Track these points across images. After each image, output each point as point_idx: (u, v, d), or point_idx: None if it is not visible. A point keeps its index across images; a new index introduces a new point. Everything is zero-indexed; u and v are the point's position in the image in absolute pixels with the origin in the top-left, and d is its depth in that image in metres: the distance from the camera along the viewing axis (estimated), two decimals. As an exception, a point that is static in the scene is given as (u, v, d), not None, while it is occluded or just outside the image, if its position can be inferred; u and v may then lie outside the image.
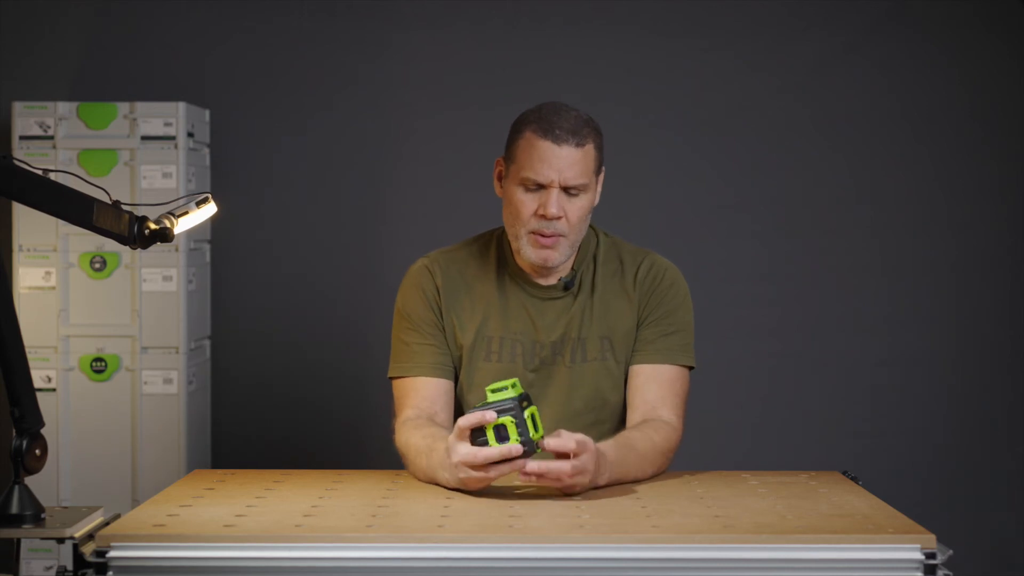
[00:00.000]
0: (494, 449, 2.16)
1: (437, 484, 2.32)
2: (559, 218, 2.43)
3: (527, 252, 2.47)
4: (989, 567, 4.12)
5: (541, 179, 2.42)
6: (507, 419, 2.15)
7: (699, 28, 4.18)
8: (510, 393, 2.16)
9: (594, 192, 2.49)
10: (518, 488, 2.28)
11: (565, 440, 2.18)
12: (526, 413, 2.15)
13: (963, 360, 4.19)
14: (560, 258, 2.48)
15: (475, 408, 2.18)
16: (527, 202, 2.44)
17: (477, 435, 2.17)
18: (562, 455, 2.19)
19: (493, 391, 2.18)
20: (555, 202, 2.42)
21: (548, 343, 2.53)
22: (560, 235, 2.45)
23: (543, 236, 2.45)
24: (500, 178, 2.53)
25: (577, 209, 2.45)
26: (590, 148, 2.45)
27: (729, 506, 2.15)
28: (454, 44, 4.18)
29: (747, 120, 4.19)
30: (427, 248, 2.65)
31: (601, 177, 2.52)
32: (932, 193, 4.20)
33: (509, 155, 2.48)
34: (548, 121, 2.43)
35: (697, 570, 1.92)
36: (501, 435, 2.15)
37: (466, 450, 2.18)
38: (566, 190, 2.43)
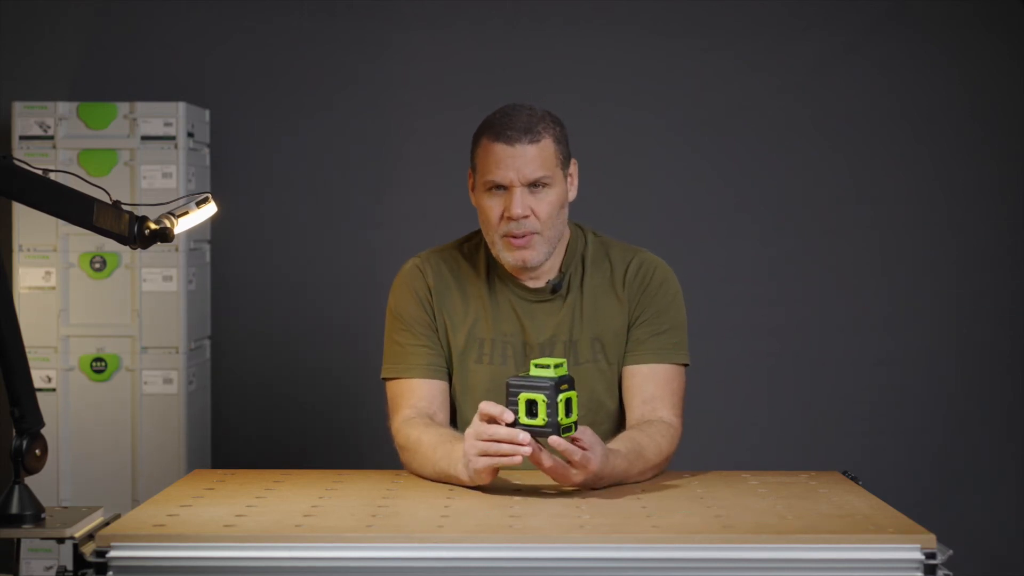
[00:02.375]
0: (502, 429, 2.17)
1: (447, 479, 2.32)
2: (526, 216, 2.44)
3: (504, 256, 2.48)
4: (989, 567, 4.12)
5: (500, 180, 2.44)
6: (540, 396, 2.15)
7: (699, 28, 4.18)
8: (550, 373, 2.16)
9: (564, 185, 2.50)
10: (518, 487, 2.29)
11: (570, 448, 2.18)
12: (561, 397, 2.15)
13: (963, 360, 4.19)
14: (538, 256, 2.48)
15: (514, 377, 2.19)
16: (494, 206, 2.46)
17: (511, 405, 2.17)
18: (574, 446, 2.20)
19: (536, 366, 2.18)
20: (519, 201, 2.43)
21: (537, 345, 2.53)
22: (532, 233, 2.45)
23: (515, 237, 2.45)
24: (473, 188, 2.54)
25: (545, 205, 2.46)
26: (547, 142, 2.46)
27: (729, 506, 2.15)
28: (454, 44, 4.18)
29: (747, 120, 4.19)
30: (427, 248, 2.65)
31: (572, 169, 2.53)
32: (932, 193, 4.20)
33: (472, 164, 2.51)
34: (500, 124, 2.45)
35: (697, 570, 1.92)
36: (531, 411, 2.16)
37: (478, 426, 2.20)
38: (530, 187, 2.44)
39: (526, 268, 2.50)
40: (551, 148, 2.46)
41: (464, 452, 2.24)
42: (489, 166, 2.45)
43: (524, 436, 2.15)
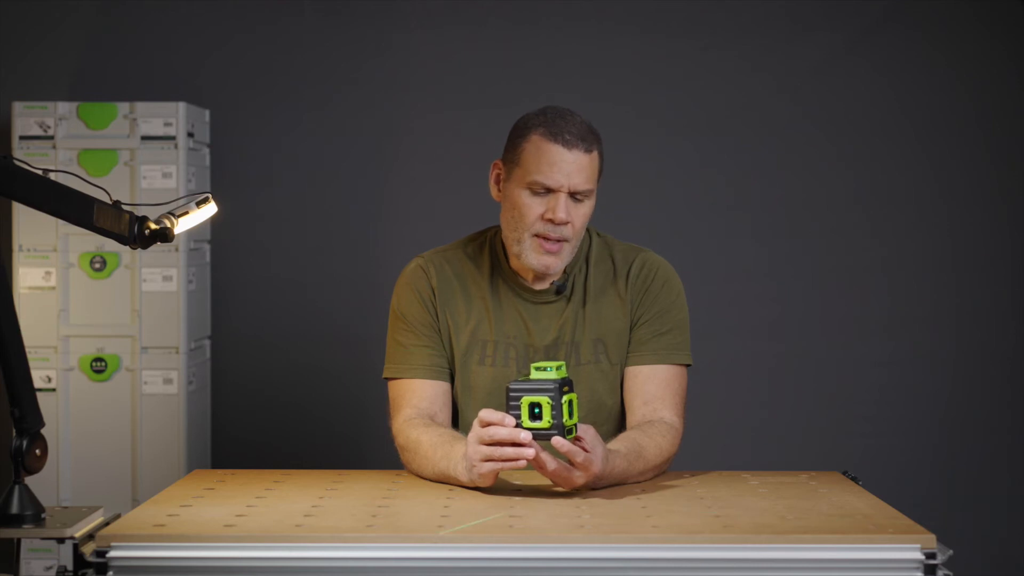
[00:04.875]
0: (501, 430, 2.16)
1: (446, 479, 2.32)
2: (566, 223, 2.43)
3: (529, 257, 2.46)
4: (989, 567, 4.12)
5: (551, 183, 2.41)
6: (544, 399, 2.15)
7: (699, 28, 4.18)
8: (552, 375, 2.16)
9: (594, 199, 2.49)
10: (518, 487, 2.29)
11: (573, 449, 2.18)
12: (565, 398, 2.15)
13: (963, 360, 4.19)
14: (561, 265, 2.48)
15: (515, 381, 2.19)
16: (533, 206, 2.43)
17: (512, 410, 2.17)
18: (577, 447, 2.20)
19: (537, 369, 2.18)
20: (563, 207, 2.41)
21: (542, 347, 2.53)
22: (564, 240, 2.44)
23: (548, 241, 2.44)
24: (498, 181, 2.52)
25: (581, 216, 2.45)
26: (596, 155, 2.45)
27: (729, 506, 2.15)
28: (454, 44, 4.18)
29: (747, 120, 4.19)
30: (428, 248, 2.65)
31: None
32: (932, 193, 4.20)
33: (512, 158, 2.47)
34: (556, 125, 2.42)
35: (697, 570, 1.92)
36: (535, 414, 2.16)
37: (479, 431, 2.20)
38: (572, 195, 2.43)
39: (547, 274, 2.49)
40: (597, 161, 2.46)
41: (467, 456, 2.23)
42: (541, 166, 2.41)
43: (525, 435, 2.15)
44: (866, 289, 4.20)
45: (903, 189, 4.19)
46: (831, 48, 4.17)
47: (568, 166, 2.41)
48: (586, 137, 2.43)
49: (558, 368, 2.17)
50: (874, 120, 4.19)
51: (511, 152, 2.48)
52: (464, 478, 2.27)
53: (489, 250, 2.58)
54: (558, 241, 2.44)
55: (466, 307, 2.55)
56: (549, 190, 2.42)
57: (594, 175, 2.45)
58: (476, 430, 2.21)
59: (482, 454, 2.20)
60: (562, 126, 2.42)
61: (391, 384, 2.56)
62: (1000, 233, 4.19)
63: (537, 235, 2.44)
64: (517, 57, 4.18)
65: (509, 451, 2.17)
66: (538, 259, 2.45)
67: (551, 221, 2.42)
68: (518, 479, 2.35)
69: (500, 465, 2.19)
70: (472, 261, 2.58)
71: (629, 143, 4.15)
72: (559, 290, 2.53)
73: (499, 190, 2.52)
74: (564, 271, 2.54)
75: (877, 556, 1.92)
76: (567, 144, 2.41)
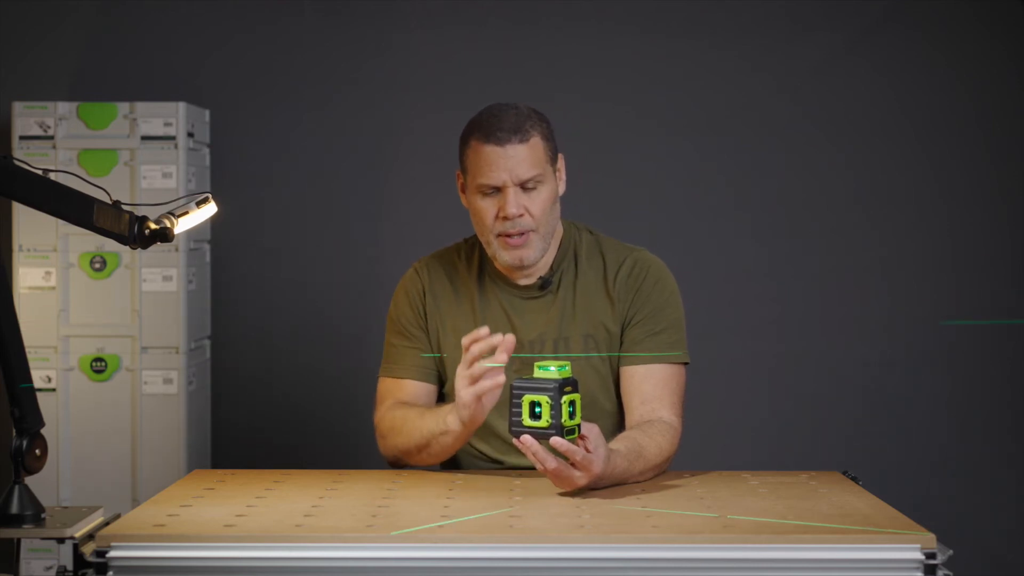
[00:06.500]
0: (476, 346, 2.24)
1: (436, 437, 2.38)
2: (521, 215, 2.45)
3: (501, 256, 2.50)
4: (989, 567, 4.12)
5: (494, 182, 2.45)
6: (543, 398, 2.15)
7: (699, 28, 4.18)
8: (554, 375, 2.17)
9: (555, 181, 2.51)
10: (518, 487, 2.29)
11: (572, 449, 2.18)
12: (565, 399, 2.15)
13: (963, 360, 4.19)
14: (535, 254, 2.49)
15: (518, 379, 2.19)
16: (488, 207, 2.47)
17: (514, 408, 2.17)
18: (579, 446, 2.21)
19: (540, 367, 2.18)
20: (513, 201, 2.44)
21: (527, 343, 2.54)
22: (528, 231, 2.47)
23: (510, 237, 2.46)
24: (464, 190, 2.55)
25: (539, 202, 2.47)
26: (536, 140, 2.47)
27: (729, 506, 2.15)
28: (454, 44, 4.18)
29: (747, 120, 4.19)
30: (428, 248, 2.67)
31: (560, 164, 2.54)
32: (932, 193, 4.20)
33: (463, 167, 2.52)
34: (488, 125, 2.46)
35: (697, 570, 1.92)
36: (535, 413, 2.16)
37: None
38: (522, 186, 2.45)
39: (523, 267, 2.50)
40: (540, 146, 2.47)
41: (456, 392, 2.29)
42: (481, 168, 2.45)
43: (484, 332, 2.24)
44: (866, 289, 4.20)
45: (903, 189, 4.19)
46: (831, 48, 4.17)
47: (507, 161, 2.44)
48: (520, 128, 2.44)
49: (560, 367, 2.17)
50: (874, 120, 4.19)
51: (461, 162, 2.53)
52: (454, 424, 2.33)
53: (479, 250, 2.60)
54: (521, 234, 2.46)
55: (457, 307, 2.58)
56: (497, 189, 2.45)
57: (538, 160, 2.46)
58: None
59: (463, 378, 2.26)
60: (494, 124, 2.45)
61: (379, 381, 2.61)
62: (1000, 233, 4.19)
63: (499, 235, 2.47)
64: (517, 57, 4.18)
65: (482, 355, 2.24)
66: (508, 255, 2.49)
67: (506, 218, 2.45)
68: (518, 479, 2.35)
69: (480, 387, 2.25)
70: (464, 262, 2.61)
71: (629, 143, 4.16)
72: (544, 285, 2.54)
73: (466, 198, 2.55)
74: (551, 267, 2.55)
75: (877, 556, 1.92)
76: (500, 141, 2.44)
